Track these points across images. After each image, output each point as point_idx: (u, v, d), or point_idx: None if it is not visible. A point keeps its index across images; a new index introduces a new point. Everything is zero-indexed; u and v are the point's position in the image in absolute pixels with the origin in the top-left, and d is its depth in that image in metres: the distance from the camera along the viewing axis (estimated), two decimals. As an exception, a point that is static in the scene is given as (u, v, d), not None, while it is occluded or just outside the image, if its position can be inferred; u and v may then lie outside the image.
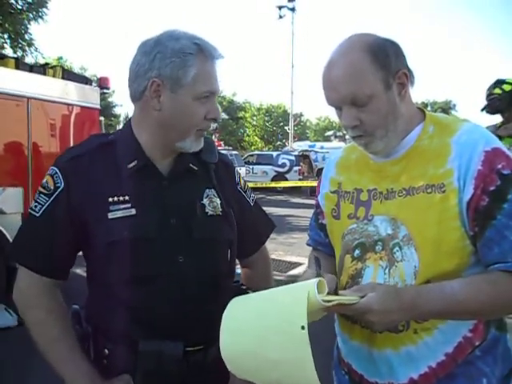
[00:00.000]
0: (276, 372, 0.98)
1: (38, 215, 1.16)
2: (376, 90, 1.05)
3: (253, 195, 1.41)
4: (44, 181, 1.18)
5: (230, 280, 1.26)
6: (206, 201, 1.22)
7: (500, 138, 2.88)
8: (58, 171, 1.16)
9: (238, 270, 1.41)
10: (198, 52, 1.12)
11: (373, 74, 1.05)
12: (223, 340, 1.03)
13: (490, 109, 3.13)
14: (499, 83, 3.06)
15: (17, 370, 3.22)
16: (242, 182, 1.38)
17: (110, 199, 1.14)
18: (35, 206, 1.17)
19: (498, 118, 3.19)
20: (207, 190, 1.24)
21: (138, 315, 1.14)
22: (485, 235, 1.02)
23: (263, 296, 1.07)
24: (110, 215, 1.13)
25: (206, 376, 1.19)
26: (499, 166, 1.02)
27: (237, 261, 1.36)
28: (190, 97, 1.12)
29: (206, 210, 1.22)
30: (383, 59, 1.05)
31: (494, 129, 3.06)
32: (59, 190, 1.15)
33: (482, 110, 3.17)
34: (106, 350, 1.16)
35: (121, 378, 1.12)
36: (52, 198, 1.15)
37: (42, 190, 1.17)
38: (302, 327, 0.89)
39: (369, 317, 0.98)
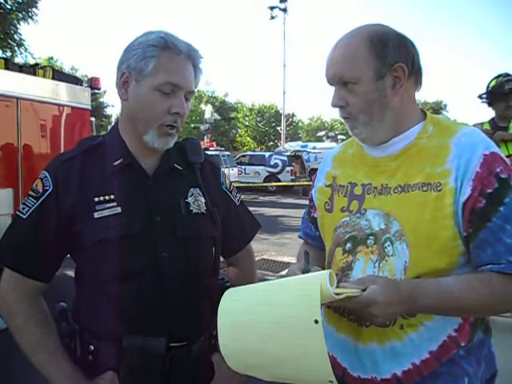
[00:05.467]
0: (285, 367, 0.95)
1: (24, 217, 1.17)
2: (363, 76, 1.08)
3: (238, 195, 1.43)
4: (34, 184, 1.20)
5: (214, 277, 1.27)
6: (190, 199, 1.24)
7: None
8: (47, 175, 1.18)
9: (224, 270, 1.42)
10: (163, 45, 1.14)
11: (365, 61, 1.08)
12: (222, 337, 0.99)
13: (485, 100, 3.17)
14: (498, 77, 3.07)
15: (5, 373, 3.19)
16: (228, 182, 1.41)
17: (96, 199, 1.16)
18: (23, 209, 1.18)
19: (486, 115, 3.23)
20: (192, 189, 1.26)
21: (122, 311, 1.15)
22: (479, 237, 1.03)
23: (264, 289, 1.04)
24: (96, 215, 1.14)
25: (190, 372, 1.20)
26: (498, 170, 1.03)
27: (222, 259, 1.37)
28: (150, 87, 1.14)
29: (191, 208, 1.23)
30: (380, 49, 1.07)
31: (480, 128, 3.09)
32: (47, 192, 1.16)
33: (480, 97, 3.20)
34: (92, 347, 1.17)
35: (105, 376, 1.13)
36: (40, 201, 1.16)
37: (31, 193, 1.19)
38: (316, 321, 0.86)
39: (372, 309, 0.97)
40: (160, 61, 1.13)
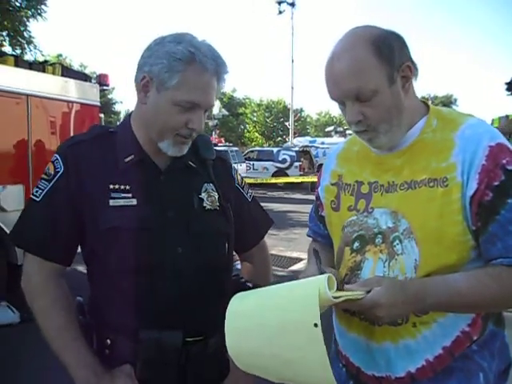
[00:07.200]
0: (289, 370, 0.97)
1: (38, 199, 1.18)
2: (380, 85, 1.04)
3: (250, 191, 1.43)
4: (46, 168, 1.21)
5: (228, 273, 1.27)
6: (204, 195, 1.24)
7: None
8: (58, 157, 1.20)
9: (238, 265, 1.42)
10: (190, 60, 1.11)
11: (377, 69, 1.03)
12: (229, 339, 1.01)
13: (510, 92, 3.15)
14: None
15: (18, 366, 3.24)
16: (239, 178, 1.40)
17: (111, 186, 1.16)
18: (36, 191, 1.19)
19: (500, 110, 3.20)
20: (205, 185, 1.26)
21: (138, 305, 1.15)
22: (488, 230, 1.01)
23: (268, 293, 1.05)
24: (112, 202, 1.15)
25: (206, 367, 1.20)
26: (504, 161, 1.01)
27: (237, 256, 1.37)
28: (170, 101, 1.12)
29: (204, 204, 1.23)
30: (388, 53, 1.04)
31: (506, 120, 3.05)
32: (59, 174, 1.18)
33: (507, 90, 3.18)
34: (108, 340, 1.17)
35: (122, 368, 1.14)
36: (52, 183, 1.18)
37: (43, 176, 1.20)
38: (315, 324, 0.87)
39: (376, 311, 0.97)
40: (185, 77, 1.10)
